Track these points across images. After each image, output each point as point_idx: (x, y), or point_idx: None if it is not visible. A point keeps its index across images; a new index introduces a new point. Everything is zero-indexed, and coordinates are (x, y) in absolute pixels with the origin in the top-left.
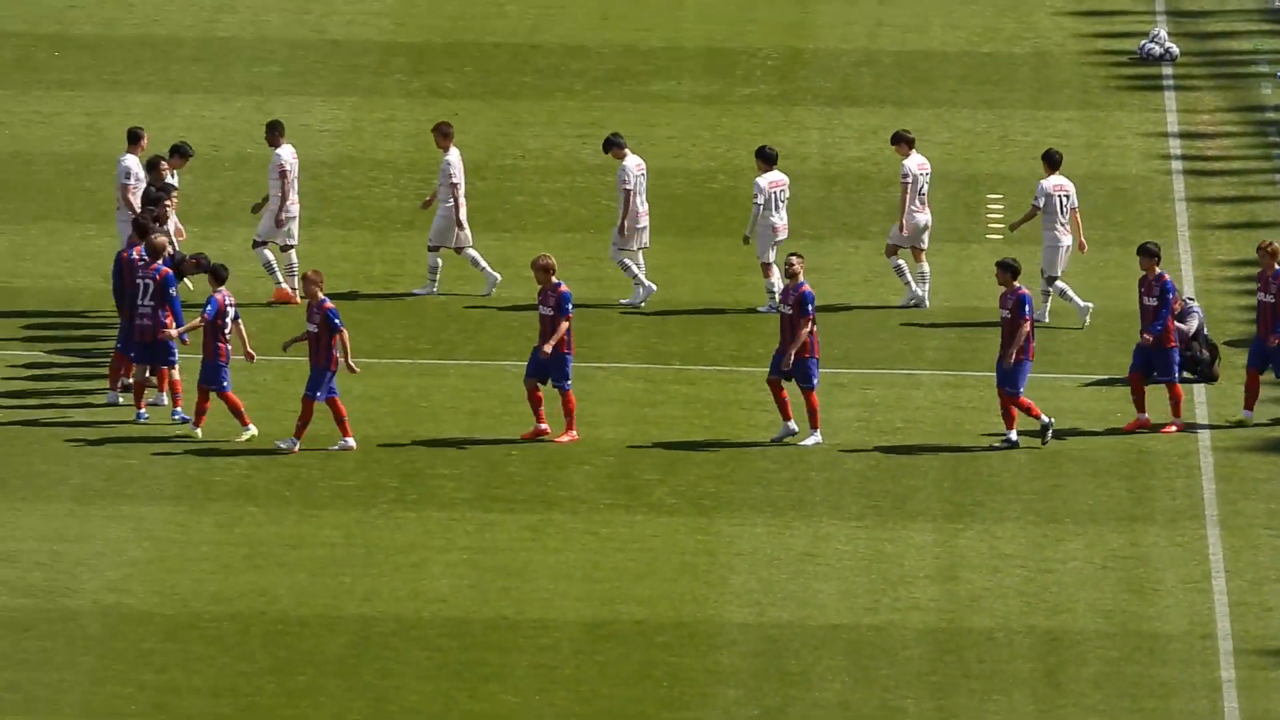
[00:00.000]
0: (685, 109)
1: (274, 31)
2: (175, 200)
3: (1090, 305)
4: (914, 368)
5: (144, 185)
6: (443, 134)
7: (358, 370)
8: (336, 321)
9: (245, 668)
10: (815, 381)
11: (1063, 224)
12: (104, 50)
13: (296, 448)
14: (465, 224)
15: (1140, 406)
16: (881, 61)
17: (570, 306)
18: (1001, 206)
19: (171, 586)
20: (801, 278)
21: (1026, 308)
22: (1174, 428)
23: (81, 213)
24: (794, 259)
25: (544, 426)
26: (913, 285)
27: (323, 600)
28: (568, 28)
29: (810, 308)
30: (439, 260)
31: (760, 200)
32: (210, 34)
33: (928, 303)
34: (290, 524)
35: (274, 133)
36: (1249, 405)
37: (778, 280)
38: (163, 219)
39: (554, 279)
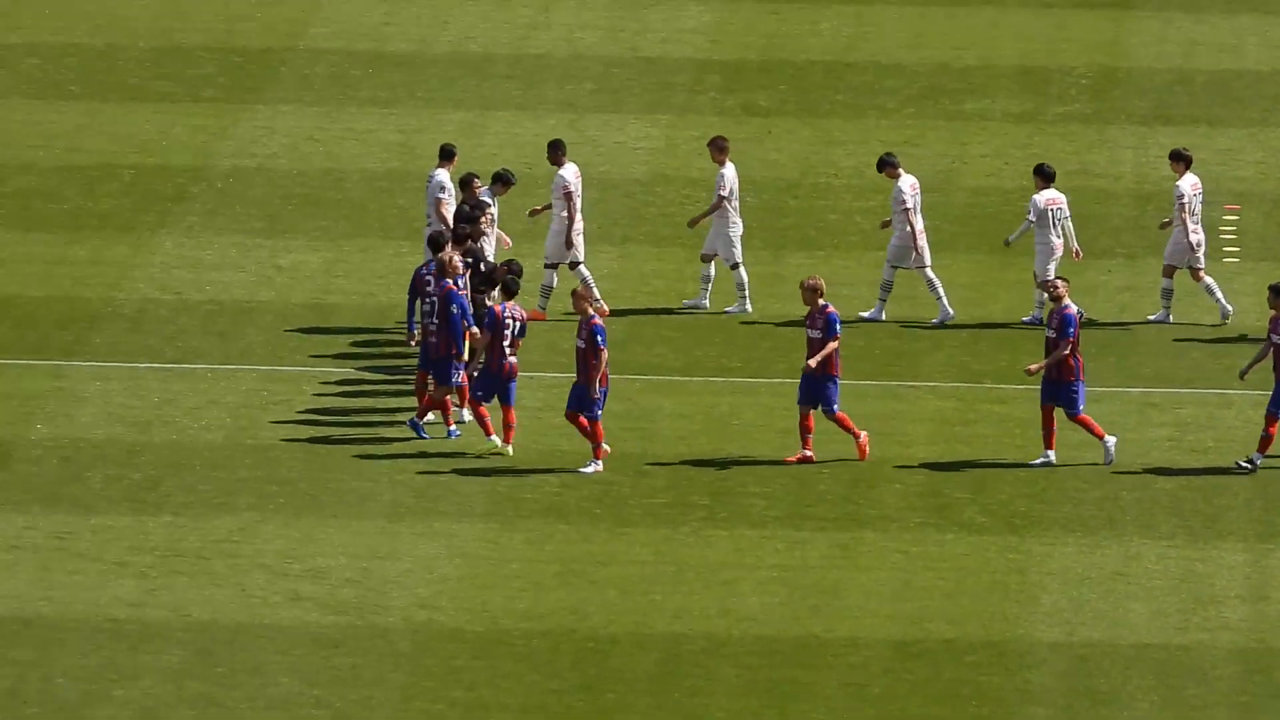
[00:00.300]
0: (998, 128)
1: (588, 49)
2: (490, 217)
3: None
4: (1226, 387)
5: (455, 201)
6: (719, 148)
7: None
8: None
9: (555, 685)
10: (1081, 407)
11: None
12: (418, 67)
13: (598, 467)
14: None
15: None
16: (1195, 80)
17: (838, 328)
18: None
19: (482, 604)
20: (1066, 300)
21: None
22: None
23: (394, 229)
24: (1059, 282)
25: (809, 454)
26: (1222, 301)
27: (633, 618)
28: (882, 46)
29: (1071, 330)
30: (713, 271)
31: (1033, 217)
32: (524, 51)
33: (1229, 318)
34: (601, 541)
35: (556, 152)
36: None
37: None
38: (477, 236)
39: (821, 300)
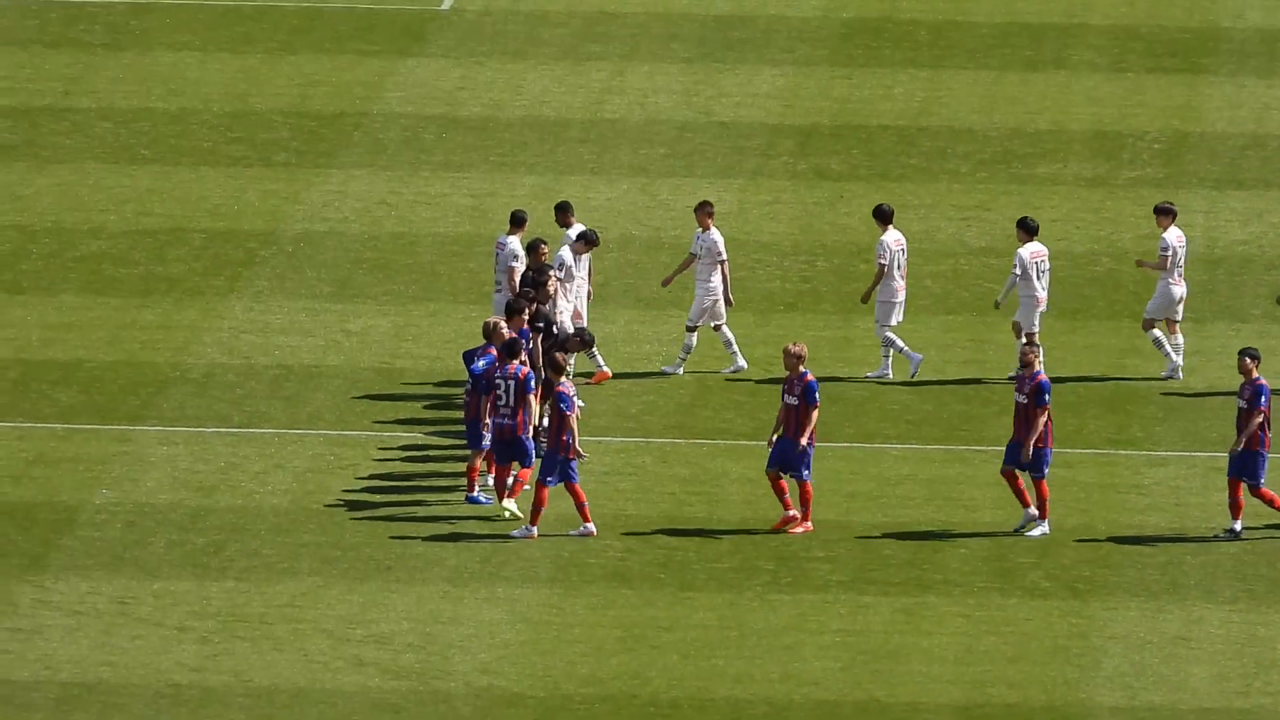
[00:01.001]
0: (1070, 191)
1: (661, 113)
2: (558, 278)
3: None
4: None
5: (524, 266)
6: (706, 212)
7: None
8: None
9: None
10: (1046, 471)
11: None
12: (491, 131)
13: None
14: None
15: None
16: (1269, 145)
17: (817, 396)
18: None
19: (544, 669)
20: (1037, 366)
21: (1262, 398)
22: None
23: (464, 294)
24: (1028, 348)
25: (793, 514)
26: (1172, 356)
27: (695, 683)
28: (955, 110)
29: (1047, 397)
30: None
31: (1018, 271)
32: (598, 115)
33: (1181, 374)
34: (664, 606)
35: (564, 214)
36: None
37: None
38: (545, 299)
39: (802, 368)
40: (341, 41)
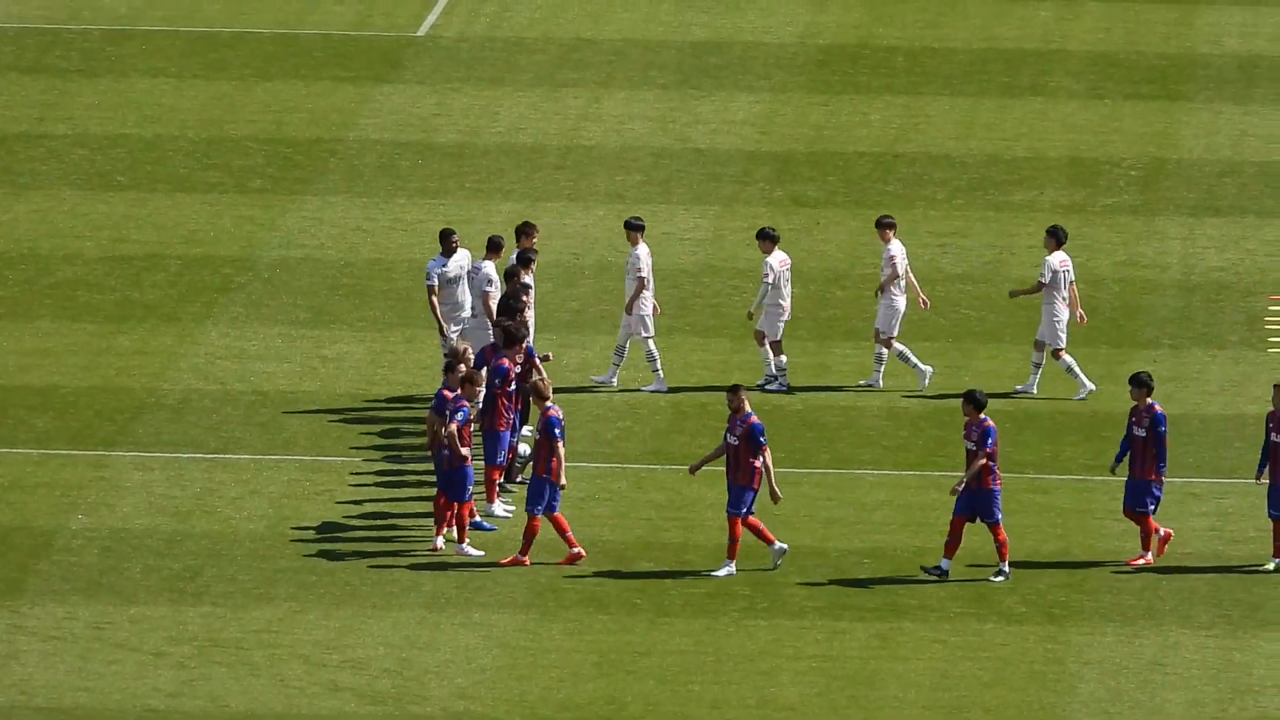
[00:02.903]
0: (1047, 218)
1: (637, 140)
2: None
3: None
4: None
5: (500, 293)
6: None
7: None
8: (761, 440)
9: None
10: (744, 510)
11: (1063, 297)
12: (467, 158)
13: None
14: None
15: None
16: (1245, 171)
17: (763, 439)
18: None
19: (520, 694)
20: (747, 409)
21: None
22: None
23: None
24: (734, 394)
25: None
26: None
27: (671, 708)
28: (931, 136)
29: (762, 439)
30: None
31: (770, 279)
32: (574, 142)
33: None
34: (640, 631)
35: (447, 240)
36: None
37: (783, 358)
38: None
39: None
40: (317, 68)
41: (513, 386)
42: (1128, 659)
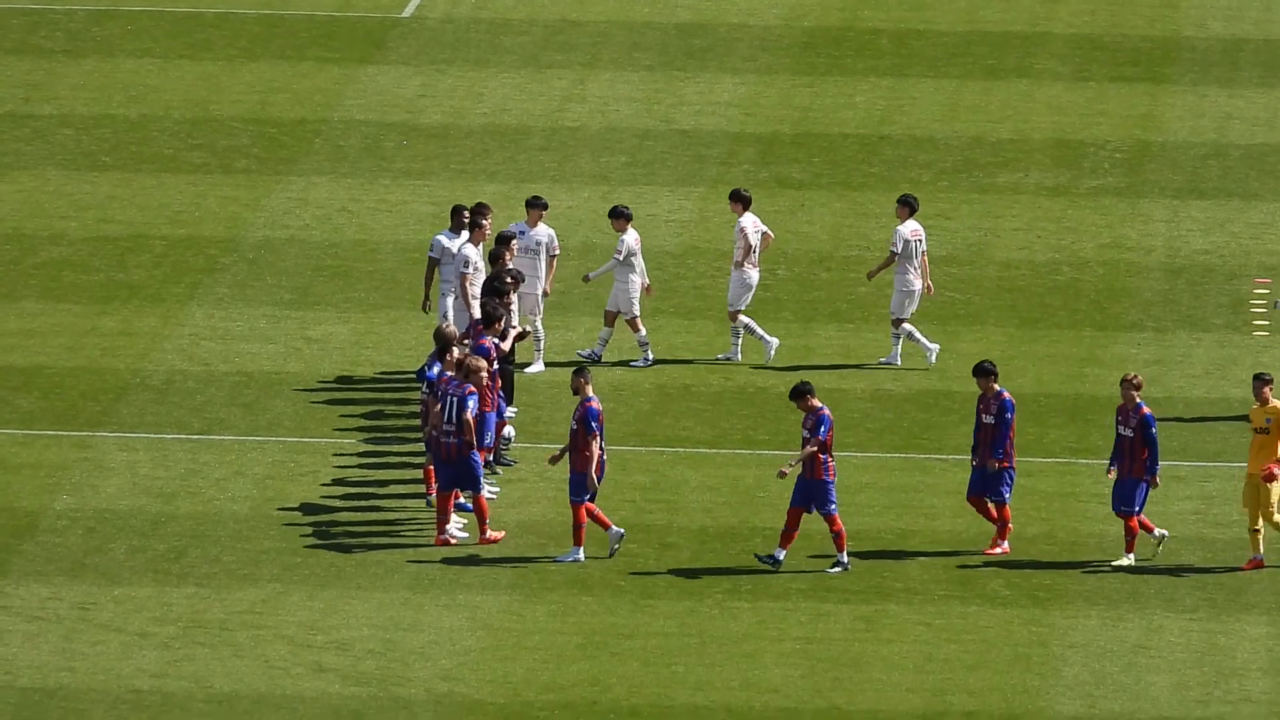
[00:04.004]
0: (1031, 200)
1: (622, 121)
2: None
3: (936, 346)
4: None
5: (482, 274)
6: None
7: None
8: (594, 425)
9: None
10: (586, 498)
11: (914, 267)
12: (452, 139)
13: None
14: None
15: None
16: (1230, 154)
17: (595, 425)
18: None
19: (504, 675)
20: (588, 392)
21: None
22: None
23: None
24: (577, 376)
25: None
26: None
27: (655, 690)
28: (916, 119)
29: (594, 425)
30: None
31: (621, 254)
32: (559, 123)
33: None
34: (624, 613)
35: (458, 216)
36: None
37: (643, 332)
38: (505, 307)
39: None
40: (302, 48)
41: (495, 367)
42: (1112, 642)
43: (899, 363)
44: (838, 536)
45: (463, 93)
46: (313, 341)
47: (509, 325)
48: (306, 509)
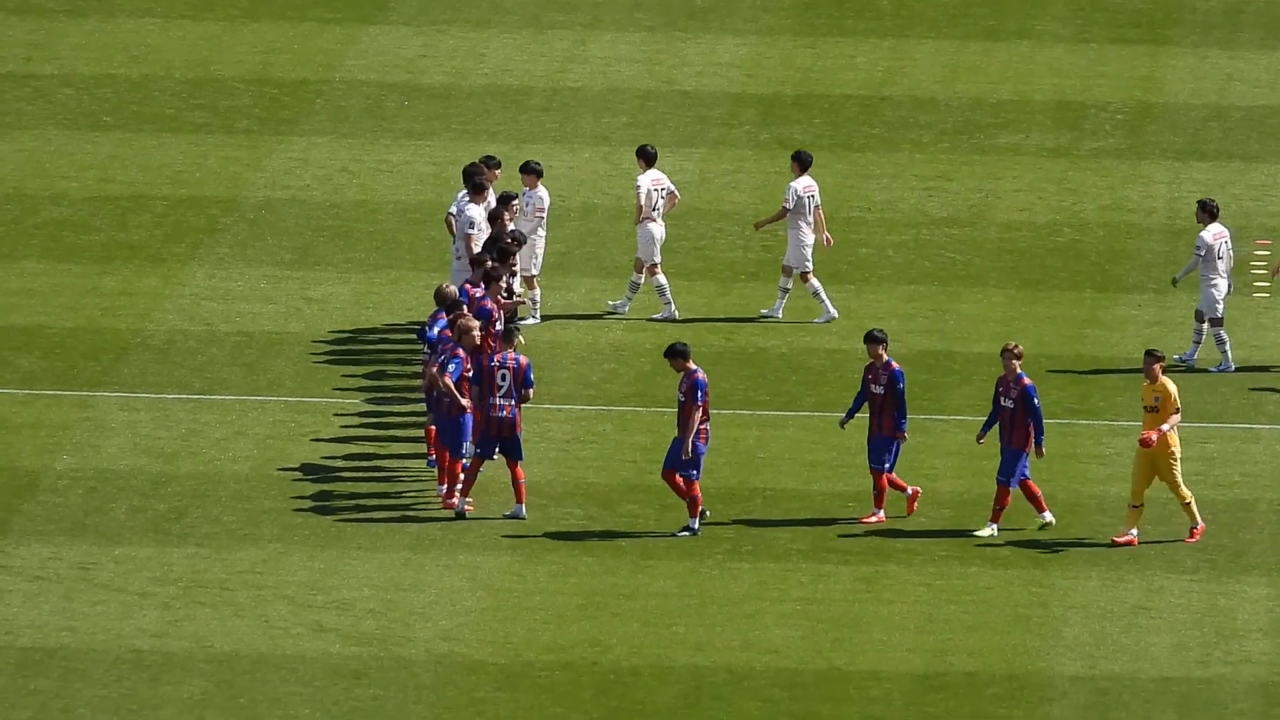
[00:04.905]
0: (1032, 162)
1: (624, 82)
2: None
3: (835, 314)
4: (1253, 422)
5: (484, 235)
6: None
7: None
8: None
9: (576, 718)
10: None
11: (808, 222)
12: (454, 100)
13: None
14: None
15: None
16: (1231, 116)
17: (699, 395)
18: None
19: (505, 636)
20: (690, 366)
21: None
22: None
23: (425, 262)
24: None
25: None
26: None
27: (655, 650)
28: (917, 80)
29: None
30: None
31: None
32: (560, 84)
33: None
34: (625, 574)
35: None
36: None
37: (537, 292)
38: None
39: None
40: (304, 9)
41: (497, 327)
42: (1112, 603)
43: (780, 315)
44: (693, 502)
45: (464, 53)
46: (313, 302)
47: (510, 289)
48: (307, 469)
